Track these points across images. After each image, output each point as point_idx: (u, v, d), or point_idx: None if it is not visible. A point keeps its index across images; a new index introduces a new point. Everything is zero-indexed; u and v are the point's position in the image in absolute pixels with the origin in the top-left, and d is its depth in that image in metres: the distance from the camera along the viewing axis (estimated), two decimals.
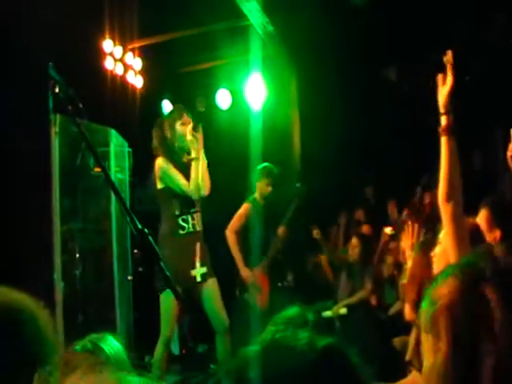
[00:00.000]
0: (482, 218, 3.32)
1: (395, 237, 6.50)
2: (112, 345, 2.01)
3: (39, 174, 4.07)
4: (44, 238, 3.83)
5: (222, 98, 8.22)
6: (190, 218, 4.67)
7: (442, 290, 1.28)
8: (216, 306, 4.73)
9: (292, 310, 1.03)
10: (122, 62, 7.82)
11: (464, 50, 8.37)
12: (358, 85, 8.90)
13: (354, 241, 6.67)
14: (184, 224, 4.65)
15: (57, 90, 3.47)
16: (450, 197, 2.49)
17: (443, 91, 2.55)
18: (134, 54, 8.04)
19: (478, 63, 8.35)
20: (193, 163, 4.60)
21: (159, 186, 4.68)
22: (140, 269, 6.21)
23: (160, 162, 4.64)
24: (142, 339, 5.33)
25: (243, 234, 5.95)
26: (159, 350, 4.47)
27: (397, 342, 4.99)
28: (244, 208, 5.98)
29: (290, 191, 5.96)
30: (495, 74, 8.19)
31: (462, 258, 1.36)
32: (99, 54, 7.40)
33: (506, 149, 3.23)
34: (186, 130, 4.61)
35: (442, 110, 2.54)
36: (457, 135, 2.50)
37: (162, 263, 1.98)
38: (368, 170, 9.60)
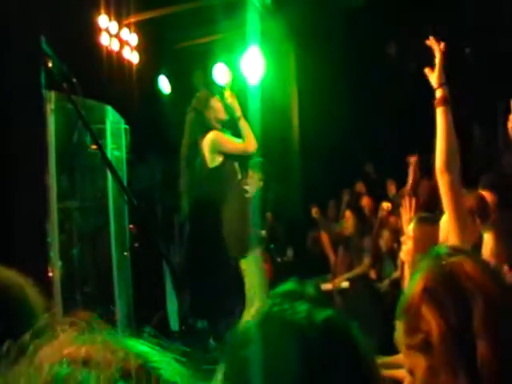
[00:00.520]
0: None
1: (394, 211, 6.50)
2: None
3: (34, 152, 4.01)
4: (40, 216, 3.79)
5: (219, 73, 8.12)
6: (249, 182, 5.09)
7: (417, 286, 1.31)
8: None
9: (289, 284, 0.98)
10: (118, 37, 7.72)
11: (465, 24, 8.29)
12: (357, 59, 8.80)
13: (348, 213, 6.73)
14: (247, 187, 5.01)
15: (50, 64, 3.42)
16: (447, 167, 2.51)
17: (436, 63, 2.61)
18: (129, 30, 7.93)
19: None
20: (241, 121, 4.91)
21: (216, 161, 4.89)
22: (136, 244, 6.22)
23: (212, 136, 4.87)
24: (140, 314, 5.36)
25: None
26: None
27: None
28: None
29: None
30: (496, 47, 8.10)
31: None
32: (94, 30, 7.30)
33: (506, 121, 3.20)
34: (218, 103, 4.94)
35: (436, 82, 2.59)
36: (451, 106, 2.55)
37: (156, 239, 1.96)
38: (368, 146, 9.55)
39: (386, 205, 7.06)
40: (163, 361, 0.58)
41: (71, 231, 5.01)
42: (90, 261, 5.12)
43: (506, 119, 3.18)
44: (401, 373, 2.62)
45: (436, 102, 2.56)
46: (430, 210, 3.94)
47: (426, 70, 2.65)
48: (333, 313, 0.94)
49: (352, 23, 8.48)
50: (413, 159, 5.91)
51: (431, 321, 1.26)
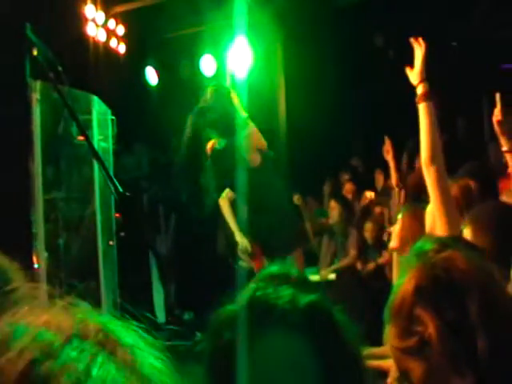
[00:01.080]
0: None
1: (380, 202, 6.51)
2: None
3: (20, 143, 3.98)
4: (25, 207, 3.77)
5: (207, 64, 8.10)
6: None
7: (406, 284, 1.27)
8: None
9: (273, 268, 0.99)
10: (105, 27, 7.67)
11: (452, 17, 8.31)
12: (345, 51, 8.80)
13: (333, 203, 6.72)
14: None
15: (35, 52, 3.38)
16: (432, 160, 2.53)
17: (417, 60, 2.62)
18: (116, 20, 7.88)
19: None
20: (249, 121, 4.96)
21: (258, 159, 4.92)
22: (122, 233, 6.19)
23: (252, 131, 4.95)
24: (126, 303, 5.33)
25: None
26: None
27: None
28: None
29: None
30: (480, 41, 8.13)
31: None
32: (81, 20, 7.24)
33: (491, 115, 3.21)
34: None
35: (417, 79, 2.61)
36: (433, 100, 2.57)
37: (142, 230, 1.95)
38: (355, 138, 9.56)
39: (369, 193, 7.07)
40: (123, 326, 0.58)
41: (57, 221, 4.99)
42: (76, 251, 5.10)
43: (491, 112, 3.19)
44: (387, 363, 2.64)
45: (418, 98, 2.59)
46: (416, 200, 3.95)
47: (407, 69, 2.67)
48: (317, 297, 0.95)
49: (340, 15, 8.47)
50: (386, 147, 4.99)
51: (427, 321, 1.21)
